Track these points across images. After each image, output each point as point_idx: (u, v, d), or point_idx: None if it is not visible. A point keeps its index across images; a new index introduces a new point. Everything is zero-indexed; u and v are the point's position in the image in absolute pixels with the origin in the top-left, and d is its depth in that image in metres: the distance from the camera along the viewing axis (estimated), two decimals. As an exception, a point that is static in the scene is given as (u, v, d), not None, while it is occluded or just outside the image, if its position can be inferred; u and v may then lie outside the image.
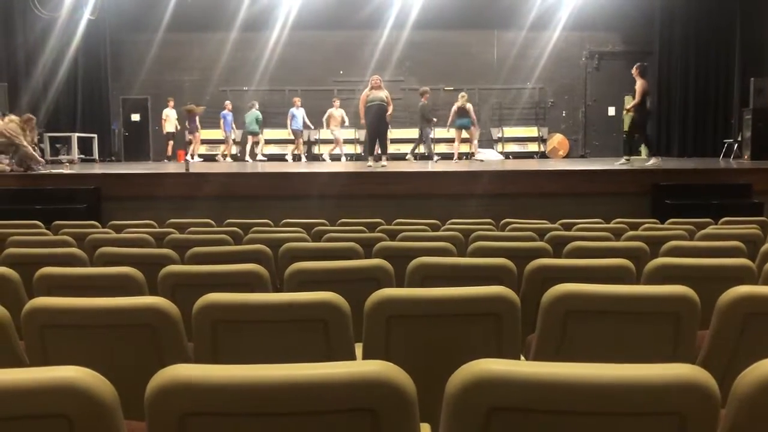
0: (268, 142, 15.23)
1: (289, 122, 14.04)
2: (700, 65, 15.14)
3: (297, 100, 14.26)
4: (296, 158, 14.62)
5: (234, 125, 14.63)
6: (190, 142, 14.08)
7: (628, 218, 5.22)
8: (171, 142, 14.55)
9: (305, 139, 15.05)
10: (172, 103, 14.55)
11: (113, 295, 2.07)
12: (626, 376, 1.13)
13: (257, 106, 14.37)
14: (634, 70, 10.10)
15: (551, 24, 15.70)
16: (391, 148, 12.65)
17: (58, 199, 7.84)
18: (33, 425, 1.13)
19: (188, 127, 14.00)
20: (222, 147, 14.94)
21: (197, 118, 14.04)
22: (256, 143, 14.58)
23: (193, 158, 13.63)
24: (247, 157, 14.50)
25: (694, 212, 5.99)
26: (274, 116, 15.62)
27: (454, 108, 12.41)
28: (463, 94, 12.66)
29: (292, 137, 14.37)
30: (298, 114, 14.03)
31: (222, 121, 14.38)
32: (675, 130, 15.33)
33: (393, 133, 13.58)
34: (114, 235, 4.45)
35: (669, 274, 2.61)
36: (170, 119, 14.45)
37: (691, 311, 1.99)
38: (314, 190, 7.89)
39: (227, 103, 14.66)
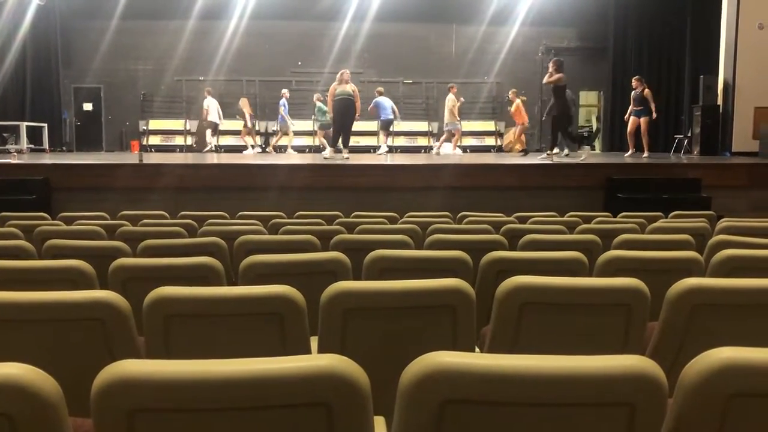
0: (224, 133, 14.97)
1: (376, 113, 13.46)
2: (653, 62, 15.52)
3: (380, 89, 13.73)
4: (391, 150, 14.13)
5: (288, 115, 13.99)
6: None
7: (583, 212, 5.31)
8: (209, 131, 14.21)
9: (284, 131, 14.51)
10: (211, 91, 14.17)
11: (62, 288, 2.01)
12: (577, 367, 1.14)
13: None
14: (551, 64, 10.33)
15: (509, 19, 15.86)
16: (352, 141, 12.62)
17: (6, 189, 7.58)
18: (-28, 425, 1.09)
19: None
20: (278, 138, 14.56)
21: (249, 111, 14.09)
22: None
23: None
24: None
25: (646, 206, 6.13)
26: (231, 106, 15.42)
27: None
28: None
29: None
30: (386, 103, 13.31)
31: (282, 110, 13.86)
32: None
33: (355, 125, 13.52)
34: (64, 227, 4.33)
35: (620, 266, 2.66)
36: (211, 109, 13.97)
37: (641, 303, 2.03)
38: (274, 183, 7.81)
39: (285, 91, 14.11)
